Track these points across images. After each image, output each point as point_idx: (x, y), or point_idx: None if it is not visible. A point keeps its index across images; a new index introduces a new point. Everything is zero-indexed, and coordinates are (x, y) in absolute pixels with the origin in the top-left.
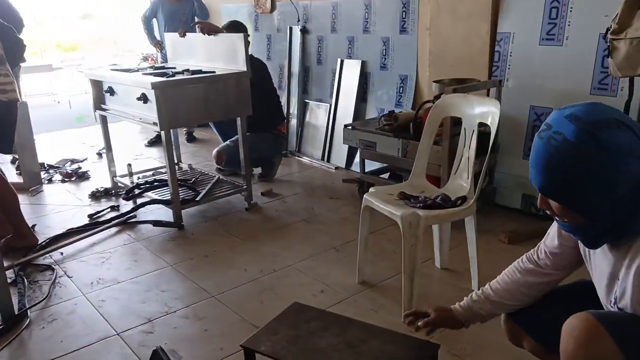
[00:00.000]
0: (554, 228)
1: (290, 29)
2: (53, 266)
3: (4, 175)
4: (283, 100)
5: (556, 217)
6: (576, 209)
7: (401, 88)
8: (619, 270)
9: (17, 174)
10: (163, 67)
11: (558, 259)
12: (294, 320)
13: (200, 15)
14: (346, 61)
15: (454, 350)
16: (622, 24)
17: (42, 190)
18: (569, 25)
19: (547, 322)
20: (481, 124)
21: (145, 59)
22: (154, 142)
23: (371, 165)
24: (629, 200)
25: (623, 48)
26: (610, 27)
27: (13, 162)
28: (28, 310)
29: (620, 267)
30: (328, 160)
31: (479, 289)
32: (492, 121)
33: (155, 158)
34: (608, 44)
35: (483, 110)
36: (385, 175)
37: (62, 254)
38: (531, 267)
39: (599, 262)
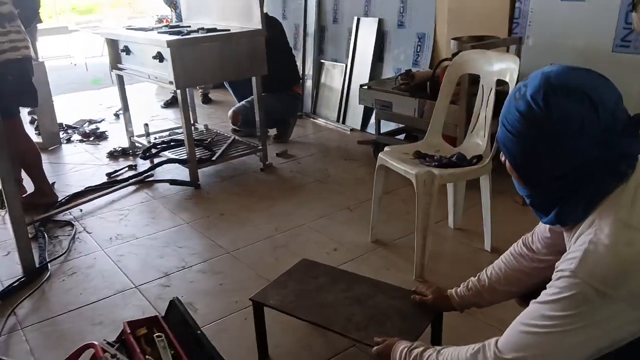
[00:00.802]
0: None
1: None
2: (72, 222)
3: (28, 135)
4: (298, 61)
5: None
6: (517, 170)
7: (419, 47)
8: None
9: (36, 134)
10: (178, 26)
11: (550, 245)
12: (303, 276)
13: None
14: (362, 19)
15: None
16: None
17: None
18: None
19: None
20: (500, 83)
21: (160, 20)
22: (170, 104)
23: (387, 127)
24: (572, 181)
25: None
26: None
27: (32, 122)
28: (49, 264)
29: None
30: (343, 122)
31: (475, 277)
32: (511, 78)
33: (171, 119)
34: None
35: (502, 67)
36: (401, 137)
37: (81, 210)
38: (526, 252)
39: None
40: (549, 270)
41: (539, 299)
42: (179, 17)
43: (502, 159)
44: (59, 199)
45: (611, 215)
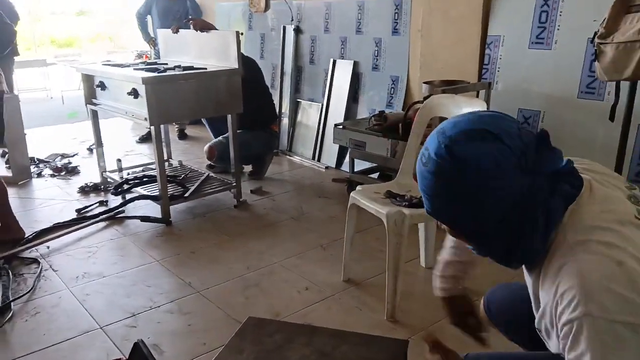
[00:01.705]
0: None
1: (284, 28)
2: (39, 259)
3: None
4: (275, 99)
5: None
6: (461, 232)
7: (392, 89)
8: (537, 290)
9: (6, 167)
10: (155, 63)
11: None
12: (256, 336)
13: (194, 14)
14: (338, 61)
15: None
16: (609, 28)
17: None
18: (558, 29)
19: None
20: None
21: (139, 56)
22: (145, 139)
23: (361, 165)
24: (518, 219)
25: (610, 52)
26: (598, 31)
27: (2, 155)
28: (11, 303)
29: (537, 287)
30: (319, 160)
31: None
32: None
33: (146, 154)
34: (595, 48)
35: (469, 111)
36: (375, 175)
37: (48, 247)
38: None
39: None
40: None
41: None
42: (158, 54)
43: (443, 227)
44: (25, 235)
45: (583, 239)
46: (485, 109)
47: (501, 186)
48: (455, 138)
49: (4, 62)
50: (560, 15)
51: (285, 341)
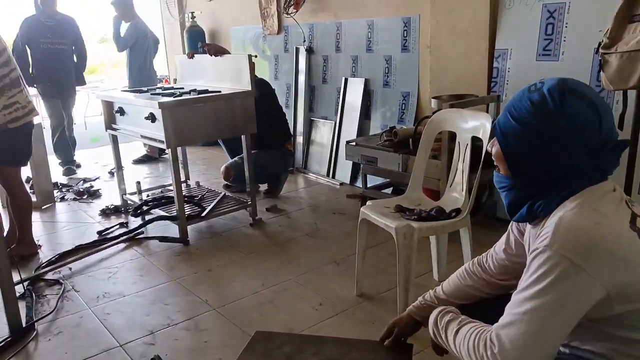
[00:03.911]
0: (502, 239)
1: (297, 49)
2: (61, 281)
3: (24, 185)
4: (290, 118)
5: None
6: (509, 158)
7: (403, 105)
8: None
9: (30, 192)
10: (172, 88)
11: (503, 268)
12: (266, 349)
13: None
14: (350, 79)
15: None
16: (613, 38)
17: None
18: (564, 40)
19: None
20: (475, 140)
21: (159, 80)
22: (140, 161)
23: (375, 181)
24: (554, 178)
25: (614, 62)
26: (602, 41)
27: (27, 181)
28: (35, 323)
29: (531, 240)
30: (333, 177)
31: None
32: (484, 134)
33: (164, 176)
34: (600, 58)
35: (475, 124)
36: (389, 190)
37: (70, 269)
38: (479, 270)
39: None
40: (499, 289)
41: (518, 287)
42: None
43: (490, 148)
44: (38, 250)
45: (580, 201)
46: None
47: (571, 148)
48: (573, 90)
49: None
50: (566, 27)
51: (295, 352)
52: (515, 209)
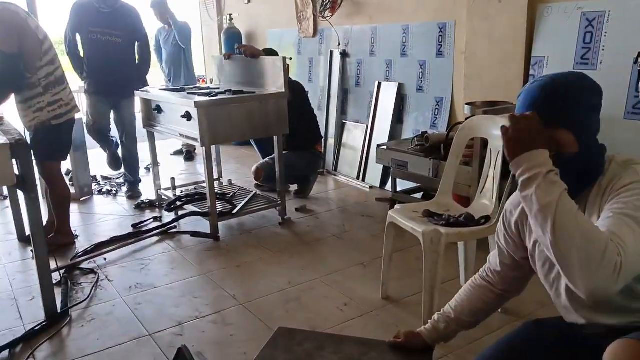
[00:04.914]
0: (494, 254)
1: (331, 52)
2: (96, 270)
3: (63, 176)
4: (322, 121)
5: (553, 154)
6: (576, 132)
7: (437, 110)
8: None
9: (70, 185)
10: (208, 88)
11: (504, 278)
12: (287, 345)
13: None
14: (384, 83)
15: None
16: None
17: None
18: (603, 49)
19: None
20: None
21: (197, 79)
22: (178, 152)
23: (405, 185)
24: (597, 146)
25: None
26: None
27: (67, 174)
28: (69, 310)
29: (587, 202)
30: (363, 180)
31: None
32: None
33: (199, 173)
34: (639, 68)
35: None
36: (418, 195)
37: (105, 259)
38: (484, 284)
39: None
40: (506, 299)
41: (617, 211)
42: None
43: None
44: (83, 248)
45: (613, 154)
46: None
47: (598, 105)
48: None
49: (128, 100)
50: (605, 35)
51: (315, 349)
52: (579, 186)
